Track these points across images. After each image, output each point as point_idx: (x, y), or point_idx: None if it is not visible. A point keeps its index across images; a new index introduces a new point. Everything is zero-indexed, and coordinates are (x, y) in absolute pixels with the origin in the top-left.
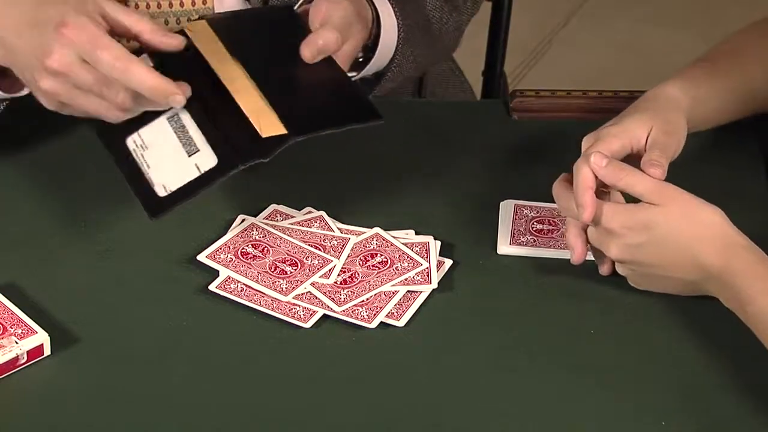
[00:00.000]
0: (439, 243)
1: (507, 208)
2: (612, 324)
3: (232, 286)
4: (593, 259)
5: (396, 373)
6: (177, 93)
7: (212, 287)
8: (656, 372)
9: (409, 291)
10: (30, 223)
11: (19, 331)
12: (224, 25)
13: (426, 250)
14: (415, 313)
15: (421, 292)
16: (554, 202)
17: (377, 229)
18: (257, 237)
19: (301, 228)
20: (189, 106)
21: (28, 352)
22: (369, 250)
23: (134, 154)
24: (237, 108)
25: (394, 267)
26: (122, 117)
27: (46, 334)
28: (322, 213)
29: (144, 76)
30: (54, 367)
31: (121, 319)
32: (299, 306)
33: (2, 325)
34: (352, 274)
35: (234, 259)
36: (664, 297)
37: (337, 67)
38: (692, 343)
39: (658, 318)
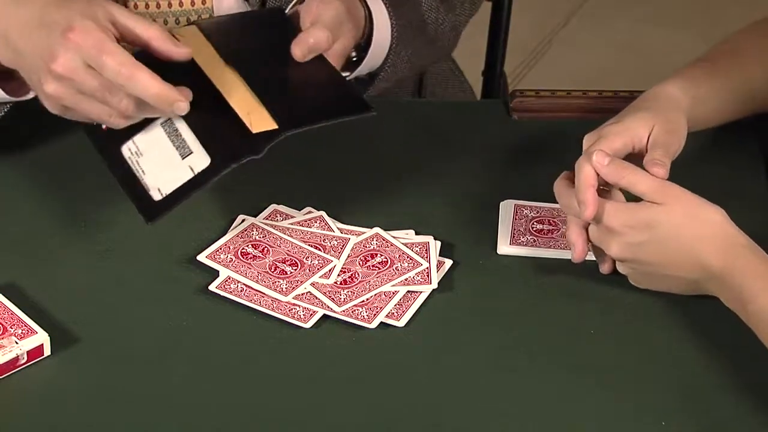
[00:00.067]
0: (439, 243)
1: (507, 208)
2: (612, 324)
3: (232, 286)
4: (593, 258)
5: (396, 373)
6: (181, 100)
7: (212, 287)
8: (656, 372)
9: (409, 291)
10: (30, 223)
11: (19, 331)
12: (214, 29)
13: (426, 250)
14: (415, 313)
15: (421, 292)
16: (554, 202)
17: (377, 229)
18: (257, 237)
19: (301, 228)
20: None
21: (28, 352)
22: (369, 250)
23: (129, 162)
24: (228, 108)
25: (394, 267)
26: (124, 123)
27: (46, 334)
28: (322, 213)
29: (148, 83)
30: (54, 367)
31: (121, 319)
32: (299, 306)
33: (2, 325)
34: (352, 274)
35: (234, 259)
36: (664, 297)
37: (328, 64)
38: (692, 343)
39: (658, 318)
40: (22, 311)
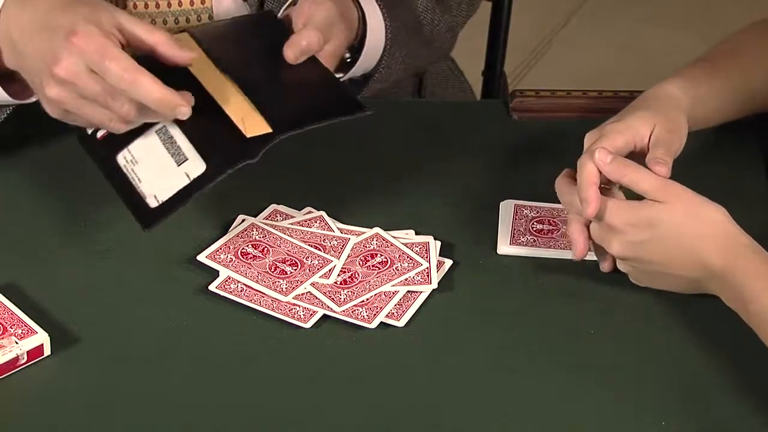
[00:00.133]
0: (439, 243)
1: (507, 208)
2: (612, 324)
3: (232, 286)
4: (594, 258)
5: (396, 373)
6: (183, 104)
7: (212, 287)
8: (656, 372)
9: (409, 291)
10: (30, 223)
11: (19, 331)
12: (206, 36)
13: (426, 250)
14: (415, 313)
15: (421, 292)
16: (554, 202)
17: (377, 229)
18: (257, 237)
19: (301, 228)
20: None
21: (28, 352)
22: (369, 250)
23: (125, 170)
24: (222, 113)
25: (394, 267)
26: (124, 128)
27: (46, 334)
28: (322, 213)
29: (151, 88)
30: (54, 367)
31: (121, 319)
32: (299, 306)
33: (2, 325)
34: (352, 274)
35: (234, 259)
36: (664, 297)
37: (321, 65)
38: (692, 343)
39: (658, 318)
40: (22, 311)
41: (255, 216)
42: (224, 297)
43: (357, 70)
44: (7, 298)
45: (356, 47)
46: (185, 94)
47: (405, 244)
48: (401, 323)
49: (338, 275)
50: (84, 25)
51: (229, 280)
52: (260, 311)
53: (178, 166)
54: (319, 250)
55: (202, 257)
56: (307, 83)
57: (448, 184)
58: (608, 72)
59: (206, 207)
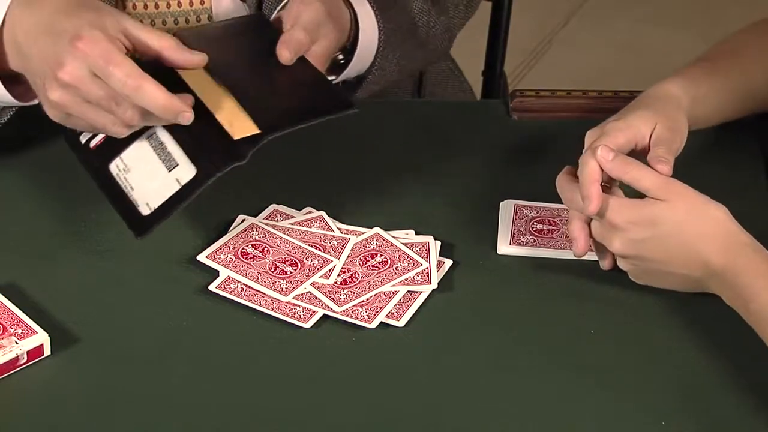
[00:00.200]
0: (439, 243)
1: (507, 208)
2: (612, 324)
3: (232, 286)
4: (594, 258)
5: (396, 373)
6: (186, 110)
7: (212, 287)
8: (656, 372)
9: (409, 291)
10: (30, 223)
11: (19, 331)
12: (196, 39)
13: (426, 250)
14: (415, 313)
15: (421, 292)
16: (554, 202)
17: (377, 229)
18: (257, 237)
19: (301, 228)
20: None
21: (28, 352)
22: (369, 251)
23: (118, 179)
24: (212, 117)
25: (394, 267)
26: (126, 132)
27: (46, 334)
28: (322, 213)
29: (155, 94)
30: (54, 367)
31: (121, 319)
32: (299, 306)
33: (2, 325)
34: (352, 275)
35: (234, 259)
36: (664, 297)
37: (309, 65)
38: (692, 343)
39: (658, 318)
40: (22, 311)
41: (255, 216)
42: (224, 297)
43: (350, 72)
44: (7, 298)
45: (349, 49)
46: (186, 97)
47: (405, 244)
48: (401, 323)
49: (338, 275)
50: (89, 30)
51: (229, 280)
52: (260, 311)
53: (169, 171)
54: (319, 250)
55: (202, 257)
56: (295, 83)
57: (448, 184)
58: (608, 72)
59: (206, 207)
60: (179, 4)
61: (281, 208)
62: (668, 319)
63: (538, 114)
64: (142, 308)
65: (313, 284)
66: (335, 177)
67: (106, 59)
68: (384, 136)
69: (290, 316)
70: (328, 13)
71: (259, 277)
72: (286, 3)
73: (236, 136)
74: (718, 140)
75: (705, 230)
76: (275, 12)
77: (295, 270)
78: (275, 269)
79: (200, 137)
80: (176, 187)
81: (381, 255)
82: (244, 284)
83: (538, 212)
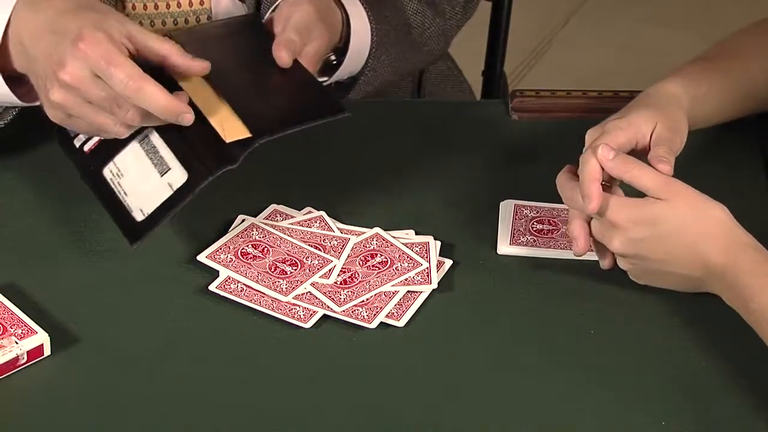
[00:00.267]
0: (439, 243)
1: (507, 208)
2: (612, 324)
3: (232, 286)
4: (594, 258)
5: (396, 373)
6: (187, 112)
7: (212, 287)
8: (656, 372)
9: (409, 291)
10: (30, 223)
11: (19, 331)
12: (188, 40)
13: (426, 250)
14: (415, 313)
15: (421, 292)
16: (554, 202)
17: (377, 229)
18: (257, 237)
19: (301, 228)
20: (158, 126)
21: (28, 352)
22: (369, 250)
23: (111, 184)
24: (203, 119)
25: (394, 267)
26: (127, 133)
27: (46, 334)
28: (322, 213)
29: (156, 96)
30: (54, 367)
31: (121, 319)
32: (299, 306)
33: (2, 325)
34: (352, 275)
35: (234, 259)
36: (664, 297)
37: (302, 67)
38: (692, 343)
39: (658, 318)
40: (22, 311)
41: (255, 216)
42: (224, 297)
43: (342, 73)
44: (7, 298)
45: (341, 49)
46: (183, 95)
47: (405, 244)
48: (401, 323)
49: (338, 275)
50: (91, 31)
51: (229, 280)
52: (260, 311)
53: (162, 176)
54: (319, 250)
55: (202, 257)
56: (287, 86)
57: (448, 184)
58: (608, 72)
59: (206, 207)
60: (179, 5)
61: (281, 208)
62: (668, 319)
63: (538, 114)
64: (142, 308)
65: (313, 284)
66: (335, 177)
67: (108, 60)
68: (384, 136)
69: (290, 316)
70: (319, 15)
71: (259, 277)
72: (277, 5)
73: (228, 140)
74: (718, 140)
75: (705, 230)
76: (267, 14)
77: (295, 270)
78: (275, 269)
79: (192, 141)
80: (169, 192)
81: (381, 255)
82: (244, 284)
83: (538, 212)
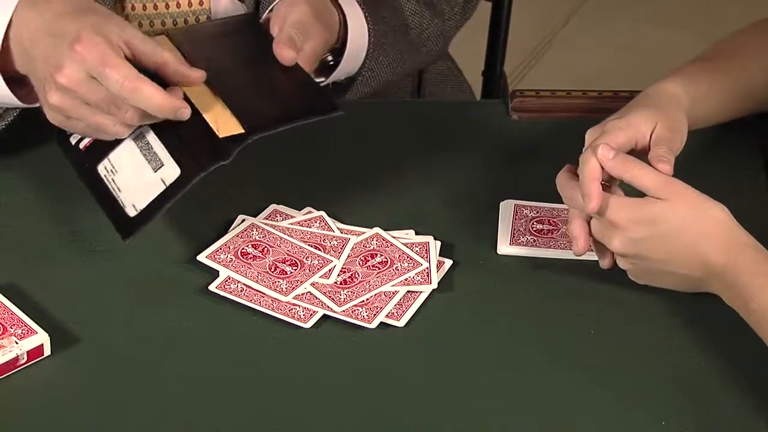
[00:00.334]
0: (439, 243)
1: (507, 208)
2: (612, 324)
3: (232, 286)
4: (594, 257)
5: (396, 373)
6: (183, 107)
7: (212, 287)
8: (656, 372)
9: (409, 291)
10: (30, 223)
11: (19, 331)
12: (185, 38)
13: (426, 250)
14: (415, 313)
15: (421, 292)
16: (554, 202)
17: (377, 229)
18: (257, 237)
19: (301, 228)
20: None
21: (28, 352)
22: (369, 250)
23: (106, 180)
24: (197, 115)
25: (394, 267)
26: (127, 132)
27: (46, 334)
28: (322, 213)
29: (152, 95)
30: (54, 367)
31: (121, 319)
32: (299, 306)
33: (2, 325)
34: (352, 275)
35: (234, 259)
36: (664, 297)
37: (297, 65)
38: (692, 343)
39: (658, 318)
40: (22, 311)
41: (255, 216)
42: (224, 297)
43: (340, 73)
44: (7, 298)
45: (338, 50)
46: (177, 90)
47: (405, 244)
48: (401, 323)
49: (338, 275)
50: (89, 34)
51: (229, 280)
52: (260, 311)
53: (155, 172)
54: (319, 250)
55: (202, 257)
56: (282, 84)
57: (448, 184)
58: (608, 72)
59: (206, 207)
60: (178, 5)
61: (281, 208)
62: (668, 319)
63: (538, 114)
64: (142, 308)
65: (313, 284)
66: (335, 177)
67: (103, 62)
68: (384, 136)
69: (290, 316)
70: (316, 15)
71: (259, 277)
72: (274, 5)
73: (221, 135)
74: (718, 140)
75: (705, 230)
76: (264, 14)
77: (295, 270)
78: (275, 269)
79: (185, 136)
80: (161, 188)
81: (381, 255)
82: (244, 284)
83: (538, 212)
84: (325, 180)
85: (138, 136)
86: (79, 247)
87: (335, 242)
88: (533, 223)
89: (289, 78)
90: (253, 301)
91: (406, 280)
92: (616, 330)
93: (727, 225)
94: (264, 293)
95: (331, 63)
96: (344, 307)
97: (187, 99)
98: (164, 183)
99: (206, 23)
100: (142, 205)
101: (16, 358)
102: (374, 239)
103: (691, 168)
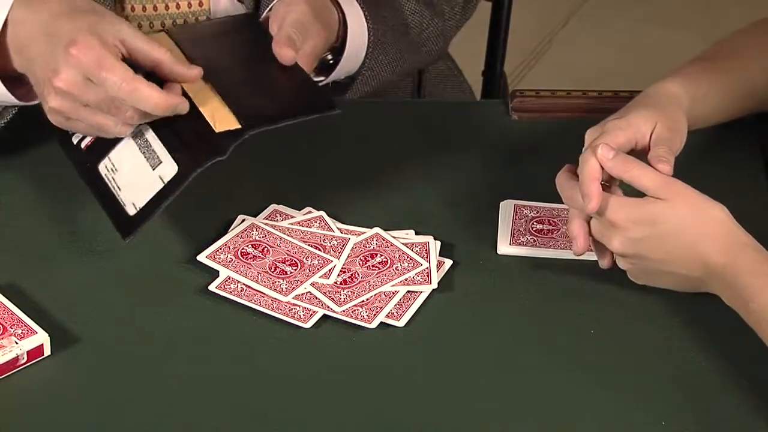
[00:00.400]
0: (439, 243)
1: (507, 208)
2: (612, 324)
3: (232, 286)
4: (594, 257)
5: (396, 373)
6: (181, 102)
7: (212, 287)
8: (656, 372)
9: (409, 291)
10: (30, 223)
11: (19, 331)
12: (184, 36)
13: (426, 250)
14: (415, 313)
15: (421, 292)
16: (554, 202)
17: (377, 229)
18: (257, 237)
19: (301, 228)
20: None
21: (28, 352)
22: (369, 250)
23: (106, 179)
24: (197, 113)
25: (394, 267)
26: (129, 131)
27: (46, 334)
28: (322, 213)
29: (150, 95)
30: (54, 367)
31: (121, 319)
32: (299, 306)
33: (2, 325)
34: (352, 275)
35: (234, 259)
36: (664, 297)
37: (295, 64)
38: (692, 343)
39: (658, 318)
40: (22, 311)
41: (255, 216)
42: (224, 297)
43: (340, 73)
44: (7, 298)
45: (338, 49)
46: (175, 86)
47: (405, 244)
48: (401, 323)
49: (338, 275)
50: (84, 36)
51: (229, 280)
52: (260, 311)
53: (153, 170)
54: (319, 250)
55: (202, 257)
56: (280, 82)
57: (448, 184)
58: (608, 72)
59: (206, 207)
60: (177, 6)
61: (281, 208)
62: (668, 319)
63: (538, 114)
64: (142, 308)
65: (313, 284)
66: (335, 177)
67: (99, 65)
68: (384, 136)
69: (290, 316)
70: (315, 14)
71: (259, 277)
72: (273, 5)
73: (218, 129)
74: (718, 140)
75: (705, 230)
76: (264, 13)
77: (295, 270)
78: (275, 269)
79: (182, 133)
80: (160, 185)
81: (381, 255)
82: (244, 284)
83: (538, 212)
84: (325, 180)
85: (137, 133)
86: (79, 247)
87: (335, 242)
88: (533, 223)
89: (288, 76)
90: (253, 301)
91: (406, 280)
92: (616, 330)
93: (727, 225)
94: (264, 293)
95: (331, 62)
96: (344, 307)
97: (185, 95)
98: (162, 180)
99: (206, 22)
100: (141, 203)
101: (16, 358)
102: (374, 239)
103: (691, 168)
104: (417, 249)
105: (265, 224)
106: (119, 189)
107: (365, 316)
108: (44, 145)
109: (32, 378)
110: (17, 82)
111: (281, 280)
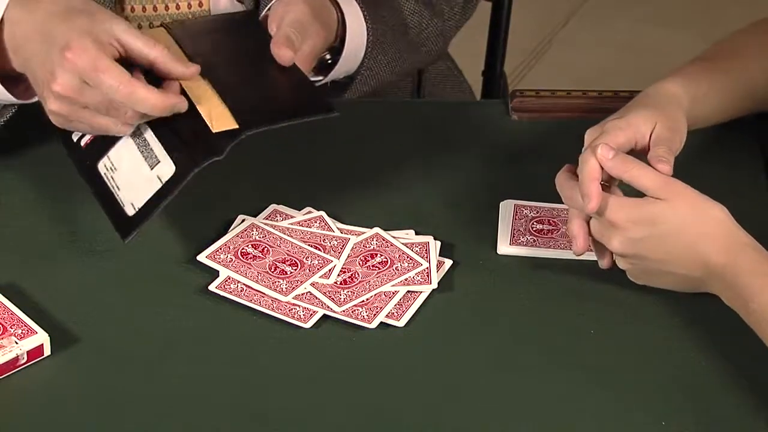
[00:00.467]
0: (439, 243)
1: (507, 208)
2: (612, 324)
3: (232, 286)
4: (594, 257)
5: (396, 373)
6: (179, 101)
7: (212, 287)
8: (656, 372)
9: (409, 291)
10: (30, 223)
11: (19, 331)
12: (183, 32)
13: (426, 250)
14: (415, 313)
15: (421, 292)
16: (554, 202)
17: (377, 229)
18: (257, 237)
19: (301, 228)
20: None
21: (28, 352)
22: (369, 250)
23: (105, 178)
24: (194, 111)
25: (394, 267)
26: (129, 130)
27: (46, 334)
28: (322, 213)
29: (148, 97)
30: (54, 367)
31: (121, 319)
32: (299, 306)
33: (2, 325)
34: (352, 275)
35: (234, 259)
36: (664, 297)
37: (293, 64)
38: (692, 343)
39: (658, 318)
40: (22, 311)
41: (255, 216)
42: (224, 297)
43: (338, 72)
44: (7, 298)
45: (337, 49)
46: (173, 85)
47: (405, 244)
48: (401, 323)
49: (338, 275)
50: (78, 39)
51: (229, 280)
52: (260, 311)
53: (152, 169)
54: (319, 250)
55: (202, 257)
56: (278, 82)
57: (448, 184)
58: (608, 72)
59: (206, 207)
60: (177, 7)
61: (281, 208)
62: (668, 319)
63: (538, 114)
64: (142, 308)
65: (313, 284)
66: (335, 177)
67: (95, 68)
68: (384, 136)
69: (290, 316)
70: (313, 13)
71: (259, 277)
72: (272, 4)
73: (215, 129)
74: (718, 140)
75: (705, 230)
76: (262, 13)
77: (295, 270)
78: (275, 269)
79: (180, 132)
80: (158, 185)
81: (381, 255)
82: (244, 284)
83: (538, 212)
84: (325, 180)
85: (136, 133)
86: (79, 247)
87: (335, 242)
88: (533, 223)
89: (286, 77)
90: (253, 301)
91: (406, 280)
92: (616, 330)
93: (727, 225)
94: (264, 293)
95: (330, 62)
96: (344, 307)
97: (184, 93)
98: (160, 180)
99: (206, 18)
100: (140, 203)
101: (16, 358)
102: (374, 239)
103: (691, 168)
104: (417, 249)
105: (265, 224)
106: (118, 188)
107: (365, 316)
108: (44, 145)
109: (32, 378)
110: (15, 81)
111: (281, 280)
